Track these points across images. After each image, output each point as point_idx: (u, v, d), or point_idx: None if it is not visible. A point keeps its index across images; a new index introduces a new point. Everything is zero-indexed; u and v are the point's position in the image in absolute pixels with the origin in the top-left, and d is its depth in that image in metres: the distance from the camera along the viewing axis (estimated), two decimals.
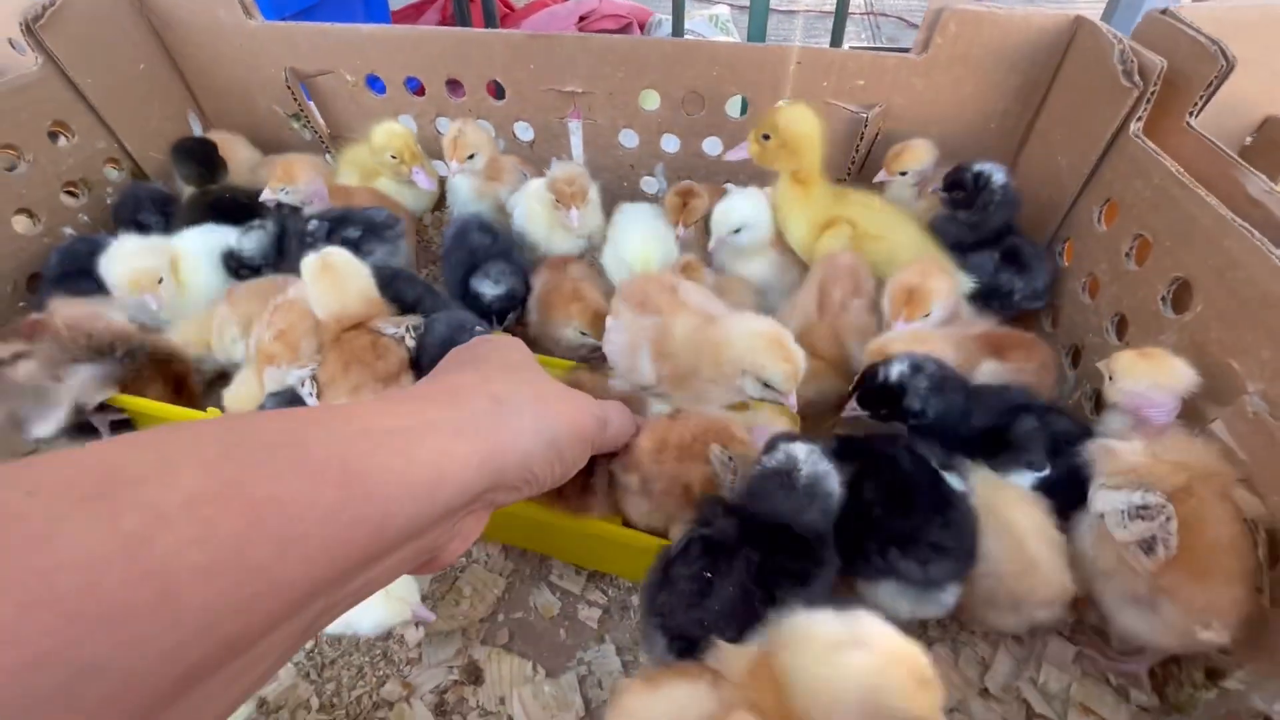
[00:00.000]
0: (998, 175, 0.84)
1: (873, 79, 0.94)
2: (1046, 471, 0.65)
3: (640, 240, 0.92)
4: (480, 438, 0.35)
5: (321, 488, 0.27)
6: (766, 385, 0.67)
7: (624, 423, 0.58)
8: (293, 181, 0.94)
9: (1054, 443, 0.65)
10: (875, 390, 0.68)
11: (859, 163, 1.02)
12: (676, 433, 0.63)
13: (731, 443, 0.63)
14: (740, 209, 0.90)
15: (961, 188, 0.86)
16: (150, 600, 0.21)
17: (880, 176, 0.97)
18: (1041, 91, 0.89)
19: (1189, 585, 0.53)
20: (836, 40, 2.29)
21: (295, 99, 1.13)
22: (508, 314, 0.91)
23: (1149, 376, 0.63)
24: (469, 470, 0.34)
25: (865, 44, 3.53)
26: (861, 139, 0.97)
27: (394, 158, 1.05)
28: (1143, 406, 0.64)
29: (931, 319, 0.80)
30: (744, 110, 1.04)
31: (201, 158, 0.99)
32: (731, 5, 3.31)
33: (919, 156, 0.95)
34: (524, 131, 1.13)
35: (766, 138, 0.90)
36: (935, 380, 0.67)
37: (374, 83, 1.12)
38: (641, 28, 2.85)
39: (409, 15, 2.75)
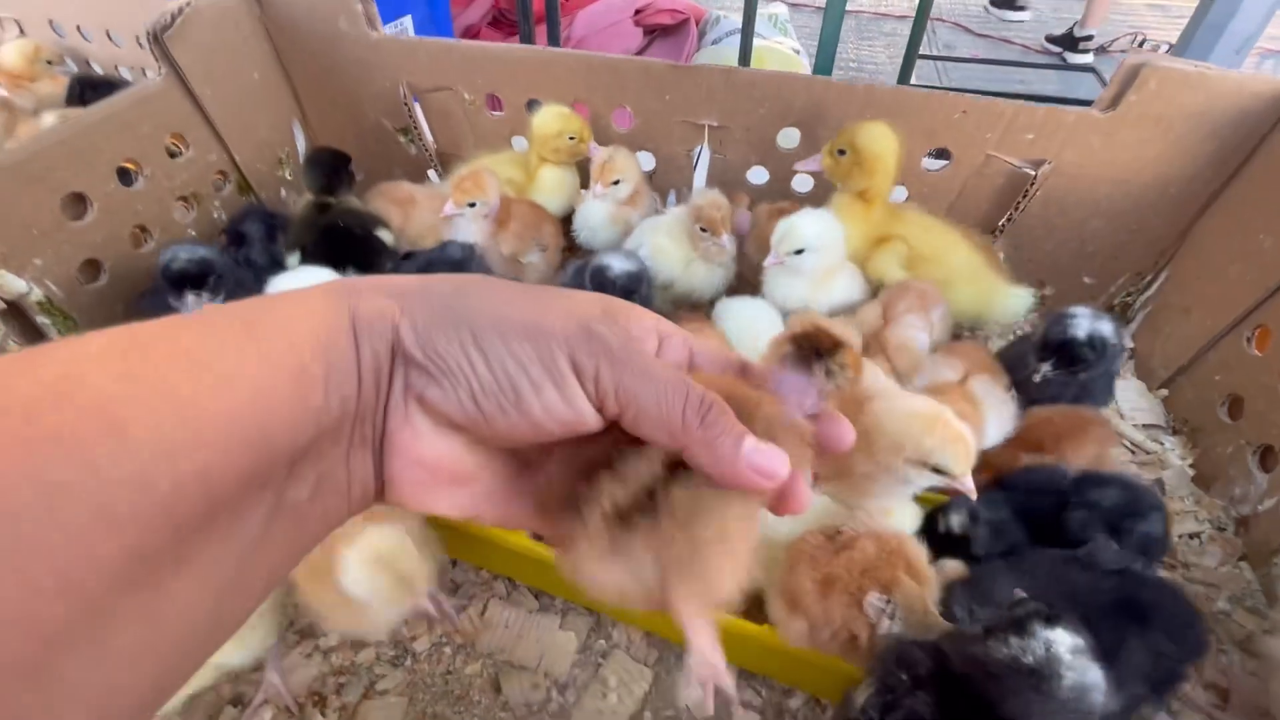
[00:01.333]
0: (1105, 327, 0.75)
1: (1044, 134, 0.87)
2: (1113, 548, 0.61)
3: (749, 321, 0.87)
4: (345, 299, 0.29)
5: (226, 335, 0.26)
6: (937, 470, 0.61)
7: (676, 339, 0.34)
8: (484, 194, 0.91)
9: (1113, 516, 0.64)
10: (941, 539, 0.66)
11: (1013, 220, 0.95)
12: (844, 567, 0.58)
13: (902, 576, 0.57)
14: (805, 230, 0.84)
15: (1076, 359, 0.75)
16: (97, 428, 0.21)
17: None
18: (1239, 160, 0.82)
19: None
20: (912, 50, 2.20)
21: (409, 114, 1.08)
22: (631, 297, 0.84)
23: None
24: (333, 317, 0.28)
25: (921, 51, 3.45)
26: (1025, 196, 0.90)
27: (573, 139, 1.01)
28: None
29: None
30: None
31: (333, 170, 0.97)
32: (789, 4, 3.22)
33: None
34: (645, 160, 1.08)
35: (842, 153, 0.87)
36: (995, 525, 0.65)
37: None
38: (698, 22, 2.78)
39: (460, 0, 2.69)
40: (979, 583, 0.61)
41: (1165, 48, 3.46)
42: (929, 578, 0.59)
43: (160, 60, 0.88)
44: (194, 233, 0.99)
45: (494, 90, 1.04)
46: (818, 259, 0.85)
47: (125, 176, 0.89)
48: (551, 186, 1.06)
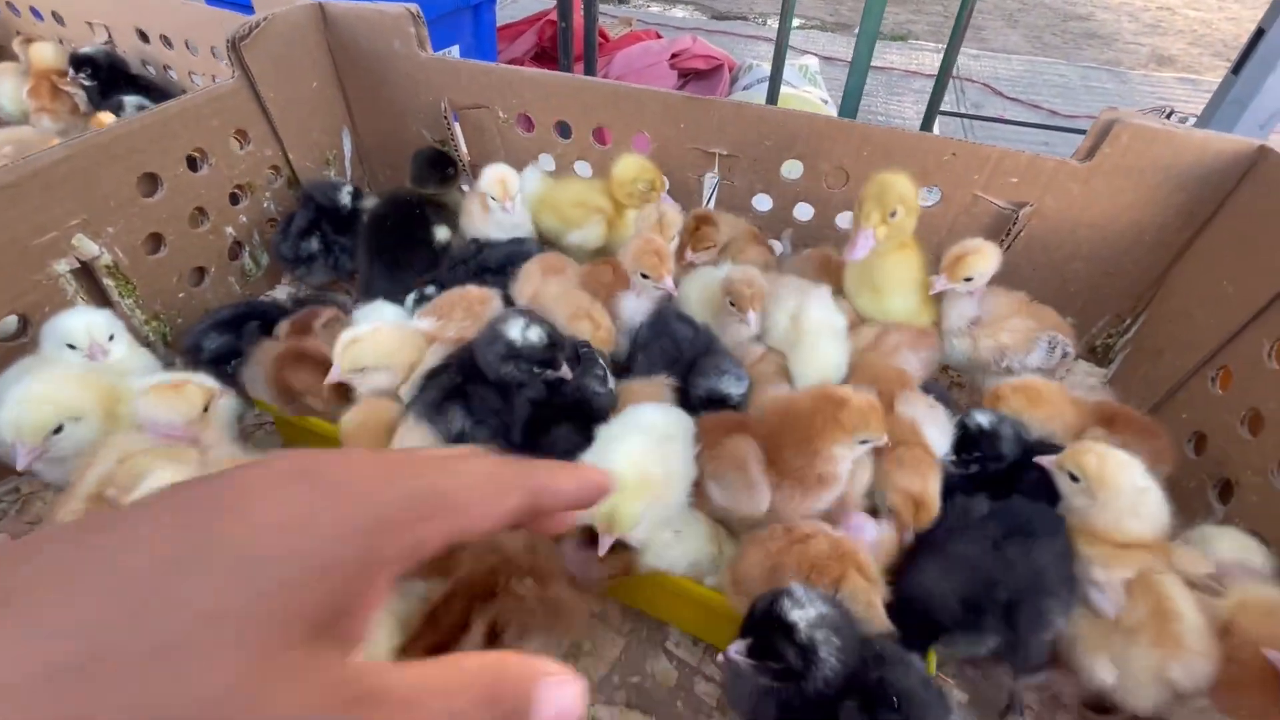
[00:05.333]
0: (1006, 428, 0.76)
1: (1027, 178, 0.94)
2: None
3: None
4: None
5: None
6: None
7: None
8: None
9: None
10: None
11: None
12: (795, 557, 0.62)
13: (852, 573, 0.62)
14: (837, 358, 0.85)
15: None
16: None
17: (941, 284, 0.90)
18: (1208, 212, 0.87)
19: None
20: (934, 104, 2.30)
21: (449, 127, 1.18)
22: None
23: None
24: None
25: (950, 108, 3.56)
26: (1008, 234, 0.97)
27: (643, 187, 1.06)
28: None
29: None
30: None
31: (425, 165, 1.12)
32: (820, 56, 3.36)
33: (982, 262, 0.89)
34: None
35: (893, 214, 0.87)
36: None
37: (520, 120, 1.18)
38: (731, 69, 2.92)
39: (507, 35, 2.88)
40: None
41: (1193, 121, 3.54)
42: (877, 580, 0.63)
43: (234, 64, 1.00)
44: (245, 219, 1.10)
45: (526, 111, 1.14)
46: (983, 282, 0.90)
47: (192, 163, 0.99)
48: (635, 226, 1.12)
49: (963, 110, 3.74)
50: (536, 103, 1.12)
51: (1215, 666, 0.60)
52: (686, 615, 0.74)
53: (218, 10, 1.29)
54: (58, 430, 0.71)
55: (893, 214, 0.86)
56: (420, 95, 1.17)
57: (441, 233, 1.08)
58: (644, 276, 0.90)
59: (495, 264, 1.04)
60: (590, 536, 0.65)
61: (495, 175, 1.05)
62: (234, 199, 1.08)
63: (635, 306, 0.93)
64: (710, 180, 1.12)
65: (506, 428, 0.73)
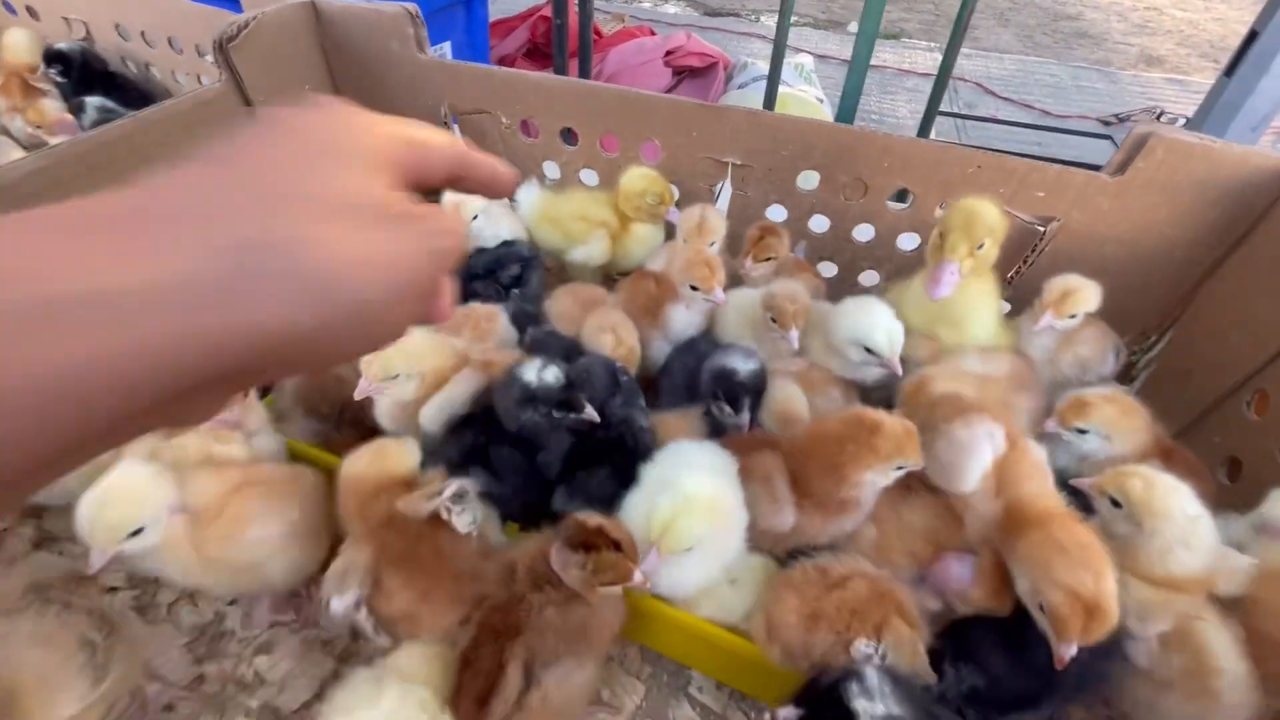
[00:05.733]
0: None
1: (1055, 192, 0.90)
2: None
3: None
4: (197, 316, 0.22)
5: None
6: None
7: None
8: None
9: None
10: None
11: (1021, 274, 0.98)
12: (833, 605, 0.59)
13: (894, 619, 0.59)
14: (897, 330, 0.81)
15: None
16: None
17: (1046, 321, 0.86)
18: (1242, 229, 0.85)
19: None
20: (933, 106, 2.28)
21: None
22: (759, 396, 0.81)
23: None
24: (171, 355, 0.22)
25: (943, 108, 3.54)
26: (1034, 251, 0.93)
27: (652, 200, 1.02)
28: None
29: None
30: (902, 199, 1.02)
31: None
32: (814, 54, 3.33)
33: (1091, 298, 0.86)
34: None
35: (980, 247, 0.82)
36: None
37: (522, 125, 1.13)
38: (725, 67, 2.88)
39: (499, 31, 2.82)
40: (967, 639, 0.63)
41: (1182, 122, 3.55)
42: (919, 623, 0.60)
43: (221, 67, 0.94)
44: None
45: (530, 117, 1.09)
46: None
47: None
48: (642, 239, 1.08)
49: (956, 110, 3.74)
50: (540, 108, 1.07)
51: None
52: (711, 660, 0.70)
53: (203, 7, 1.22)
54: None
55: (979, 246, 0.81)
56: (419, 99, 1.12)
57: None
58: (693, 289, 0.87)
59: (483, 269, 1.01)
60: (576, 538, 0.58)
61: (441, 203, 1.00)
62: None
63: (686, 320, 0.89)
64: (722, 190, 1.08)
65: (529, 487, 0.70)
